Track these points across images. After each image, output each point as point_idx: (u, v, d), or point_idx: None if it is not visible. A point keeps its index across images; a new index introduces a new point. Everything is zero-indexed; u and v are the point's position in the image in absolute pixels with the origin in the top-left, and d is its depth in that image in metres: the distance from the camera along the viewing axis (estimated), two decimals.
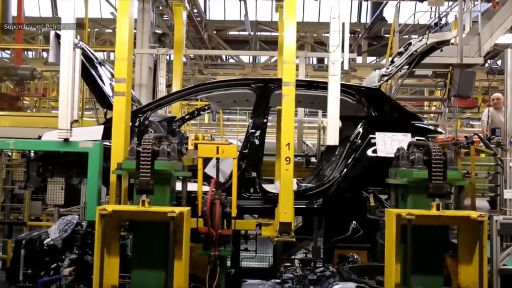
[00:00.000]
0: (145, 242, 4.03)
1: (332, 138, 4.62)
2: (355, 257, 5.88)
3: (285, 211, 4.56)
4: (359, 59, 16.96)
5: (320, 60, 19.70)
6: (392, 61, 5.92)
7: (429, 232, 3.95)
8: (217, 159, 4.55)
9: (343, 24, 4.63)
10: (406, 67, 5.73)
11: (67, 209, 6.63)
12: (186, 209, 3.86)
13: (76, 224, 5.12)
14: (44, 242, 5.09)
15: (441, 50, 6.25)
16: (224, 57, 20.19)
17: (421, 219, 3.72)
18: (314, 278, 5.24)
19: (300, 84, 4.95)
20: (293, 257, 7.07)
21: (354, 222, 5.68)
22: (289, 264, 6.04)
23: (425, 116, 9.25)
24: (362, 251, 6.06)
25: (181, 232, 3.80)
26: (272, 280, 5.31)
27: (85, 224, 4.93)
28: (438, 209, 3.75)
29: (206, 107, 6.86)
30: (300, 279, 5.16)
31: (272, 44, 17.21)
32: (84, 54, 4.97)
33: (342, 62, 4.61)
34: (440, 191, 3.78)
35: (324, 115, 9.70)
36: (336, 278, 5.09)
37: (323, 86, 5.37)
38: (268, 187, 5.28)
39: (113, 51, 15.69)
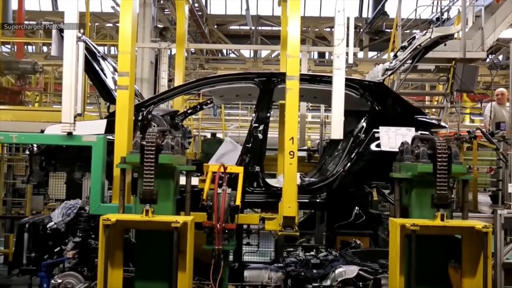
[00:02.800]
0: (148, 251, 4.03)
1: (337, 132, 4.61)
2: (358, 242, 5.91)
3: (289, 205, 4.55)
4: (360, 54, 16.92)
5: (321, 55, 19.68)
6: (396, 55, 5.90)
7: (434, 241, 3.95)
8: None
9: (348, 17, 4.61)
10: (410, 61, 5.71)
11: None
12: (189, 219, 3.83)
13: (79, 208, 5.16)
14: (47, 226, 5.14)
15: (445, 44, 6.22)
16: (225, 51, 20.15)
17: (425, 229, 3.71)
18: (317, 262, 5.26)
19: (303, 78, 4.93)
20: (296, 243, 7.06)
21: (356, 207, 5.69)
22: (292, 249, 6.04)
23: (426, 111, 9.23)
24: (365, 238, 6.08)
25: (185, 241, 3.77)
26: (275, 265, 5.33)
27: (88, 208, 4.91)
28: (442, 219, 3.73)
29: (209, 102, 6.85)
30: (303, 263, 5.16)
31: (273, 38, 17.19)
32: (87, 47, 4.95)
33: (347, 56, 4.58)
34: (444, 201, 3.75)
35: (327, 110, 9.71)
36: (339, 262, 5.13)
37: (326, 80, 5.37)
38: (270, 181, 5.27)
39: (114, 45, 15.71)
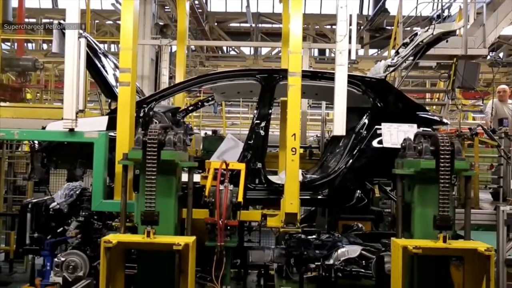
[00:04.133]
0: (150, 270, 4.00)
1: (339, 128, 4.60)
2: (360, 226, 5.92)
3: (291, 202, 4.55)
4: (361, 52, 16.88)
5: (322, 52, 19.66)
6: (397, 52, 5.89)
7: (436, 261, 3.94)
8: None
9: (350, 14, 4.60)
10: (411, 58, 5.69)
11: None
12: (191, 240, 3.79)
13: (82, 189, 5.19)
14: (50, 207, 5.15)
15: (447, 41, 6.21)
16: (225, 49, 20.13)
17: (427, 251, 3.70)
18: (319, 243, 5.29)
19: (304, 75, 4.92)
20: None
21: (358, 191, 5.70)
22: (294, 232, 6.08)
23: (427, 108, 9.22)
24: (367, 222, 6.09)
25: (187, 262, 3.73)
26: (278, 246, 5.34)
27: (91, 189, 4.92)
28: (444, 241, 3.71)
29: (210, 98, 6.84)
30: (305, 244, 5.17)
31: (274, 36, 17.17)
32: (88, 44, 4.93)
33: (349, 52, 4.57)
34: (446, 223, 3.74)
35: (328, 107, 9.70)
36: (342, 242, 5.17)
37: (328, 77, 5.36)
38: (272, 178, 5.27)
39: (114, 42, 15.67)
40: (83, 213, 4.97)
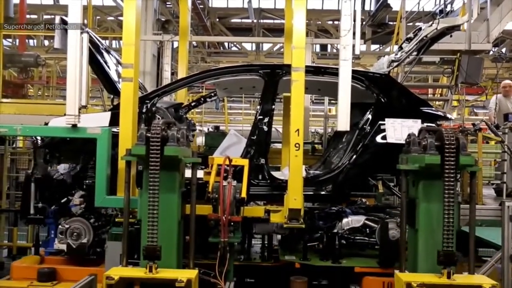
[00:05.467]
0: None
1: (343, 123, 4.58)
2: (363, 200, 5.94)
3: (295, 198, 4.54)
4: (363, 47, 16.82)
5: (324, 48, 19.61)
6: (401, 47, 5.86)
7: None
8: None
9: (354, 9, 4.57)
10: (415, 53, 5.66)
11: None
12: (193, 275, 3.73)
13: None
14: (54, 177, 5.18)
15: (451, 36, 6.18)
16: (227, 45, 20.09)
17: (431, 287, 3.63)
18: (323, 214, 5.32)
19: (307, 70, 4.89)
20: None
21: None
22: None
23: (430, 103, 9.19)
24: (370, 198, 6.12)
25: None
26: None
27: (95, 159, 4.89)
28: (449, 277, 3.65)
29: (213, 94, 6.82)
30: (309, 216, 5.18)
31: (275, 31, 17.13)
32: (90, 40, 4.91)
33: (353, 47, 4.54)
34: (451, 259, 3.68)
35: (331, 102, 9.67)
36: (346, 213, 5.21)
37: (331, 72, 5.34)
38: (275, 174, 5.26)
39: (116, 38, 15.62)
40: (88, 182, 4.96)
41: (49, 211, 5.02)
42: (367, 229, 5.05)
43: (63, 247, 4.83)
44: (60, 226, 4.81)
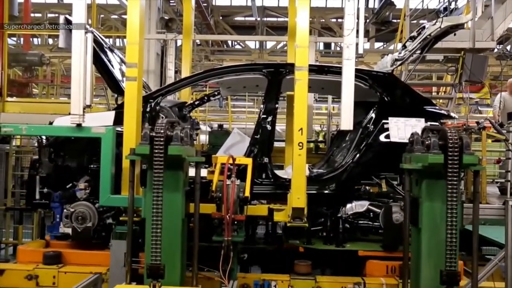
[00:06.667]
0: None
1: (347, 123, 4.58)
2: (367, 188, 5.95)
3: (298, 197, 4.55)
4: (366, 45, 16.78)
5: (327, 46, 19.58)
6: (404, 46, 5.85)
7: None
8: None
9: (358, 8, 4.57)
10: (419, 51, 5.65)
11: None
12: None
13: None
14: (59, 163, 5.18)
15: (455, 34, 6.16)
16: (230, 43, 20.08)
17: None
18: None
19: (311, 69, 4.90)
20: None
21: None
22: None
23: (434, 101, 9.16)
24: (374, 187, 6.13)
25: None
26: None
27: None
28: None
29: (216, 93, 6.83)
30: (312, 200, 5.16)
31: (279, 29, 17.12)
32: (94, 39, 4.93)
33: (357, 46, 4.54)
34: (453, 278, 3.68)
35: (335, 101, 9.66)
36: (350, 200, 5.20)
37: (335, 71, 5.34)
38: (278, 172, 5.27)
39: (120, 36, 15.65)
40: (93, 166, 5.00)
41: (54, 196, 5.07)
42: (371, 214, 5.08)
43: (69, 231, 4.89)
44: (65, 210, 4.85)
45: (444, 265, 3.69)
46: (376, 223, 5.05)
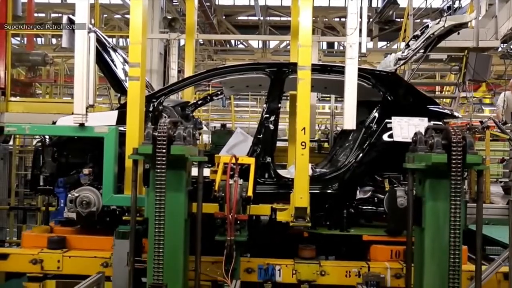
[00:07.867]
0: None
1: (349, 122, 4.57)
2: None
3: (301, 196, 4.54)
4: (369, 44, 16.73)
5: (330, 45, 19.55)
6: (408, 45, 5.83)
7: None
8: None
9: (361, 7, 4.56)
10: (422, 51, 5.64)
11: None
12: None
13: None
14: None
15: (458, 33, 6.14)
16: (233, 42, 20.09)
17: None
18: None
19: (314, 68, 4.89)
20: None
21: None
22: None
23: (438, 101, 9.13)
24: None
25: None
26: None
27: None
28: None
29: (219, 92, 6.83)
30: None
31: (282, 29, 17.11)
32: (97, 38, 4.94)
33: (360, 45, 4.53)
34: None
35: (337, 100, 9.64)
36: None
37: (337, 70, 5.33)
38: (281, 172, 5.26)
39: (123, 36, 15.68)
40: (97, 152, 4.96)
41: (58, 181, 5.08)
42: (375, 199, 5.06)
43: (73, 216, 4.89)
44: (69, 195, 4.86)
45: (448, 264, 3.66)
46: (381, 208, 5.03)
